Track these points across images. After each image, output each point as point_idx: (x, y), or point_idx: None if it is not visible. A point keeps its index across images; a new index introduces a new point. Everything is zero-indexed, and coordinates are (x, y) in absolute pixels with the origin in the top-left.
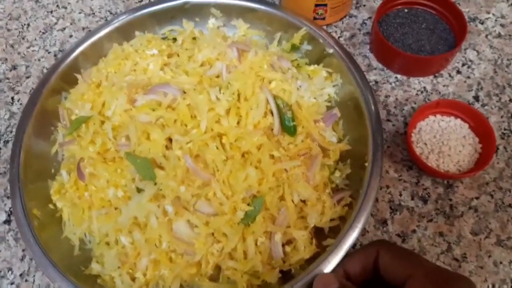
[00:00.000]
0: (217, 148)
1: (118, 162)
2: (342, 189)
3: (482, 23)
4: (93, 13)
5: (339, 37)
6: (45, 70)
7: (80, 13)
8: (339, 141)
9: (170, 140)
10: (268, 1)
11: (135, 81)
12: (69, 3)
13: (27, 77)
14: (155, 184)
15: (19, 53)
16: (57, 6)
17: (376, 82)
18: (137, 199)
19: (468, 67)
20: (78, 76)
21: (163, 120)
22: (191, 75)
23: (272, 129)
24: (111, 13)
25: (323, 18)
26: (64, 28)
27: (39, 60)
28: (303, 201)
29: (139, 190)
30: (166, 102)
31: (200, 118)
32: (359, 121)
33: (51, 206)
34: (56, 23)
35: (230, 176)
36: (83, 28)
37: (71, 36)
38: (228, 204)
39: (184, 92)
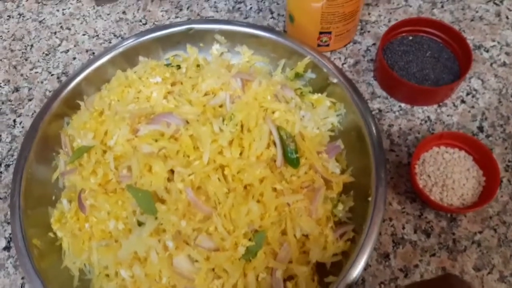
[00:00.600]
0: (219, 180)
1: (119, 193)
2: (345, 222)
3: (487, 51)
4: (97, 35)
5: (343, 64)
6: (47, 93)
7: (84, 35)
8: (343, 171)
9: (172, 171)
10: (272, 28)
11: (138, 110)
12: (73, 25)
13: (30, 100)
14: (156, 218)
15: (21, 74)
16: (61, 27)
17: (380, 110)
18: (138, 233)
19: (473, 96)
20: (81, 103)
21: (165, 151)
22: (194, 105)
23: (275, 160)
24: (115, 36)
25: (327, 45)
26: (68, 50)
27: (42, 82)
28: (306, 235)
29: (140, 224)
30: (169, 133)
31: (203, 149)
32: (362, 152)
33: (51, 234)
34: (59, 45)
35: (232, 210)
36: (87, 51)
37: (74, 58)
38: (229, 240)
39: (187, 122)
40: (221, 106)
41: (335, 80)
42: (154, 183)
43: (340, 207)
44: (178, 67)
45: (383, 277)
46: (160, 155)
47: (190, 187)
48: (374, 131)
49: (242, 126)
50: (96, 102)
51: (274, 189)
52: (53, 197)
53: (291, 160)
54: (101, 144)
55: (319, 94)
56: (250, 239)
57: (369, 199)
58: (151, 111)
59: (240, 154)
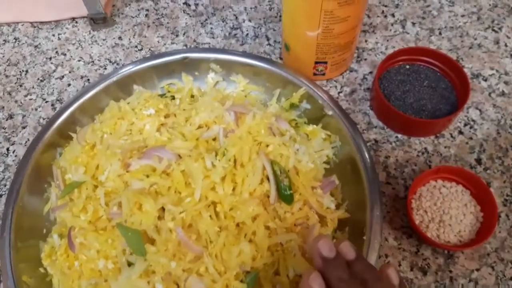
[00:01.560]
0: (210, 218)
1: (109, 231)
2: None
3: (485, 80)
4: (92, 61)
5: (339, 93)
6: (41, 120)
7: (79, 60)
8: (338, 205)
9: (163, 208)
10: (267, 57)
11: (130, 144)
12: (68, 50)
13: (23, 127)
14: (146, 259)
15: (16, 101)
16: (57, 52)
17: (376, 141)
18: (127, 274)
19: (471, 127)
20: (73, 135)
21: (156, 187)
22: (187, 138)
23: (268, 196)
24: (110, 62)
25: (323, 74)
26: (63, 76)
27: (36, 109)
28: (300, 275)
29: (129, 264)
30: (161, 168)
31: (195, 186)
32: (357, 186)
33: (41, 269)
34: (54, 71)
35: (223, 249)
36: (82, 77)
37: (69, 84)
38: (220, 282)
39: (180, 157)
40: (214, 139)
41: (330, 112)
42: (144, 222)
43: None
44: (173, 97)
45: None
46: (151, 191)
47: (181, 225)
48: (370, 165)
49: (235, 161)
50: (88, 135)
51: (267, 227)
52: (44, 230)
53: (285, 196)
54: (92, 178)
55: (314, 126)
56: (241, 280)
57: (364, 237)
58: (143, 145)
59: (233, 190)
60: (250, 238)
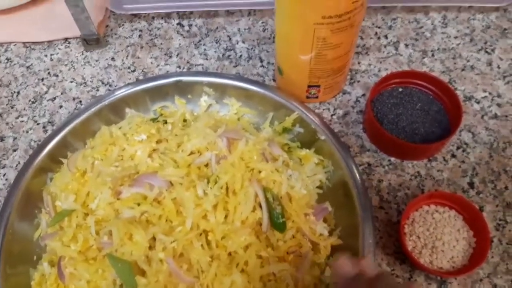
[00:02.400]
0: (202, 247)
1: (100, 261)
2: None
3: (478, 103)
4: (85, 83)
5: (332, 115)
6: (32, 143)
7: (71, 82)
8: (331, 231)
9: (154, 237)
10: (259, 81)
11: (121, 171)
12: (61, 71)
13: (14, 150)
14: None
15: (7, 123)
16: (49, 73)
17: (369, 164)
18: None
19: (463, 150)
20: (64, 160)
21: (147, 215)
22: (179, 164)
23: (260, 224)
24: (103, 83)
25: (316, 97)
26: (55, 98)
27: (27, 132)
28: None
29: None
30: (152, 196)
31: (186, 214)
32: (350, 211)
33: None
34: (46, 92)
35: (215, 280)
36: (74, 99)
37: (61, 106)
38: None
39: (171, 184)
40: (206, 165)
41: (323, 137)
42: (134, 253)
43: (328, 272)
44: (165, 121)
45: None
46: (142, 219)
47: (172, 255)
48: (362, 190)
49: (227, 188)
50: (79, 161)
51: (259, 256)
52: (35, 257)
53: (278, 224)
54: (83, 206)
55: (307, 150)
56: None
57: None
58: (134, 172)
59: (225, 218)
60: (242, 268)
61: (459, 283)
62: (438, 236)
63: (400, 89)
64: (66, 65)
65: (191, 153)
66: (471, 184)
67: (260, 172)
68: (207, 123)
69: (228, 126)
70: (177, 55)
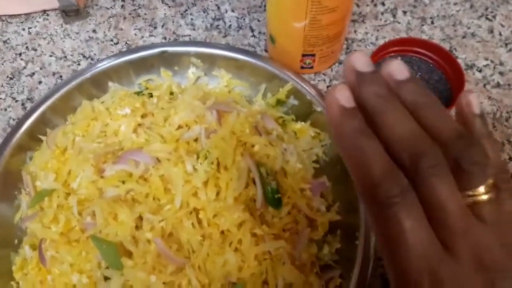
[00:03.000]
0: (193, 226)
1: (83, 243)
2: (331, 266)
3: (479, 71)
4: (65, 57)
5: (327, 87)
6: (11, 121)
7: (51, 56)
8: (329, 207)
9: (141, 217)
10: (251, 51)
11: (104, 148)
12: (39, 45)
13: None
14: (122, 274)
15: None
16: (27, 47)
17: None
18: None
19: None
20: (43, 137)
21: (133, 194)
22: (166, 139)
23: (254, 200)
24: (84, 57)
25: (311, 67)
26: (33, 73)
27: (5, 109)
28: (290, 284)
29: (106, 278)
30: (137, 173)
31: (175, 192)
32: (349, 186)
33: (13, 283)
34: (25, 67)
35: (207, 260)
36: (54, 74)
37: (40, 82)
38: None
39: (158, 160)
40: (195, 140)
41: (319, 109)
42: (120, 233)
43: (326, 249)
44: (150, 95)
45: None
46: (128, 198)
47: (161, 235)
48: None
49: (218, 164)
50: (59, 138)
51: (254, 234)
52: (16, 241)
53: (272, 200)
54: (64, 185)
55: (302, 123)
56: None
57: (357, 242)
58: (118, 148)
59: (217, 195)
60: (236, 247)
61: None
62: None
63: (399, 58)
64: (45, 38)
65: (179, 127)
66: None
67: (253, 146)
68: (195, 96)
69: (218, 98)
70: (163, 26)
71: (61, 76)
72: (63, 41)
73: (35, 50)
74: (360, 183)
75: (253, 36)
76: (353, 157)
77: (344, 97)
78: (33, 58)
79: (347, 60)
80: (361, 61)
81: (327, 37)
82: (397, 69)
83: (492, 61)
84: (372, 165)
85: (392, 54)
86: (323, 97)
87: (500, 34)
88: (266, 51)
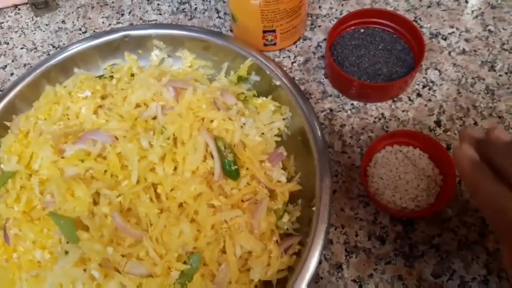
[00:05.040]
0: (151, 200)
1: (44, 220)
2: (291, 234)
3: (445, 39)
4: (35, 48)
5: (292, 63)
6: None
7: (22, 48)
8: (291, 179)
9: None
10: (212, 30)
11: (63, 129)
12: (11, 38)
13: None
14: (79, 247)
15: None
16: None
17: (331, 110)
18: (62, 264)
19: (429, 88)
20: (8, 124)
21: (92, 172)
22: (125, 119)
23: (213, 173)
24: (53, 47)
25: (274, 44)
26: (6, 66)
27: None
28: (250, 252)
29: (67, 253)
30: (95, 152)
31: (131, 168)
32: (308, 157)
33: None
34: None
35: (164, 232)
36: (25, 65)
37: (12, 74)
38: (161, 264)
39: (117, 139)
40: (154, 118)
41: (278, 83)
42: (77, 209)
43: (286, 218)
44: (112, 78)
45: None
46: (87, 176)
47: (118, 210)
48: (319, 135)
49: (175, 140)
50: (22, 123)
51: (212, 206)
52: None
53: (230, 172)
54: (27, 167)
55: (264, 98)
56: (185, 262)
57: (313, 208)
58: (80, 129)
59: (174, 169)
60: (192, 218)
61: (427, 223)
62: (401, 175)
63: (362, 30)
64: (16, 32)
65: (137, 106)
66: (438, 123)
67: (212, 121)
68: (151, 74)
69: (174, 76)
70: (129, 13)
71: (31, 67)
72: (34, 33)
73: (7, 43)
74: (497, 222)
75: (219, 17)
76: (489, 201)
77: (471, 151)
78: (5, 51)
79: (462, 133)
80: (476, 130)
81: (285, 11)
82: (501, 132)
83: (457, 29)
84: (509, 207)
85: (354, 27)
86: (284, 72)
87: (466, 1)
88: (231, 31)
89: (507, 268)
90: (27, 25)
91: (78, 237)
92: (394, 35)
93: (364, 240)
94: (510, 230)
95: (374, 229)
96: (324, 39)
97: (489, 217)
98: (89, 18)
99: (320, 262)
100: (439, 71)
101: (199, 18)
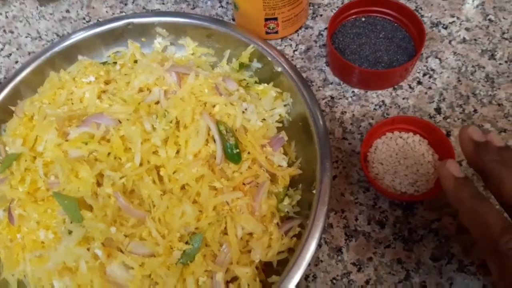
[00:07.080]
0: (153, 182)
1: (48, 201)
2: (291, 217)
3: (445, 28)
4: (40, 37)
5: (294, 51)
6: None
7: (26, 37)
8: (291, 164)
9: (103, 175)
10: (215, 18)
11: (67, 112)
12: (16, 27)
13: None
14: (84, 226)
15: None
16: (4, 31)
17: (332, 97)
18: (65, 243)
19: (430, 76)
20: (13, 108)
21: (96, 154)
22: (128, 103)
23: (215, 157)
24: (58, 36)
25: (276, 32)
26: (10, 54)
27: None
28: (251, 234)
29: (70, 233)
30: (99, 135)
31: (134, 150)
32: (309, 143)
33: None
34: (2, 49)
35: (166, 212)
36: (29, 53)
37: (16, 62)
38: (163, 244)
39: (120, 122)
40: (157, 103)
41: (279, 69)
42: (81, 189)
43: (286, 201)
44: (115, 64)
45: (336, 273)
46: (91, 158)
47: (122, 191)
48: (320, 120)
49: (178, 123)
50: (27, 107)
51: (214, 188)
52: None
53: (232, 155)
54: (32, 150)
55: (265, 85)
56: (187, 242)
57: (314, 191)
58: (84, 113)
59: (177, 152)
60: (194, 199)
61: (426, 208)
62: (400, 161)
63: (363, 19)
64: (21, 21)
65: (140, 90)
66: (438, 110)
67: (214, 106)
68: (153, 59)
69: (177, 61)
70: (133, 2)
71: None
72: (38, 23)
73: (12, 32)
74: (481, 238)
75: (221, 6)
76: (472, 218)
77: (455, 169)
78: (10, 40)
79: (464, 131)
80: (477, 133)
81: None
82: (496, 139)
83: (458, 18)
84: (491, 223)
85: (355, 16)
86: (285, 59)
87: None
88: (233, 20)
89: (496, 284)
90: (32, 14)
91: (81, 217)
92: (395, 24)
93: (364, 224)
94: (495, 247)
95: (373, 214)
96: (326, 28)
97: (474, 234)
98: (93, 8)
99: (320, 246)
100: (440, 59)
101: (202, 7)
